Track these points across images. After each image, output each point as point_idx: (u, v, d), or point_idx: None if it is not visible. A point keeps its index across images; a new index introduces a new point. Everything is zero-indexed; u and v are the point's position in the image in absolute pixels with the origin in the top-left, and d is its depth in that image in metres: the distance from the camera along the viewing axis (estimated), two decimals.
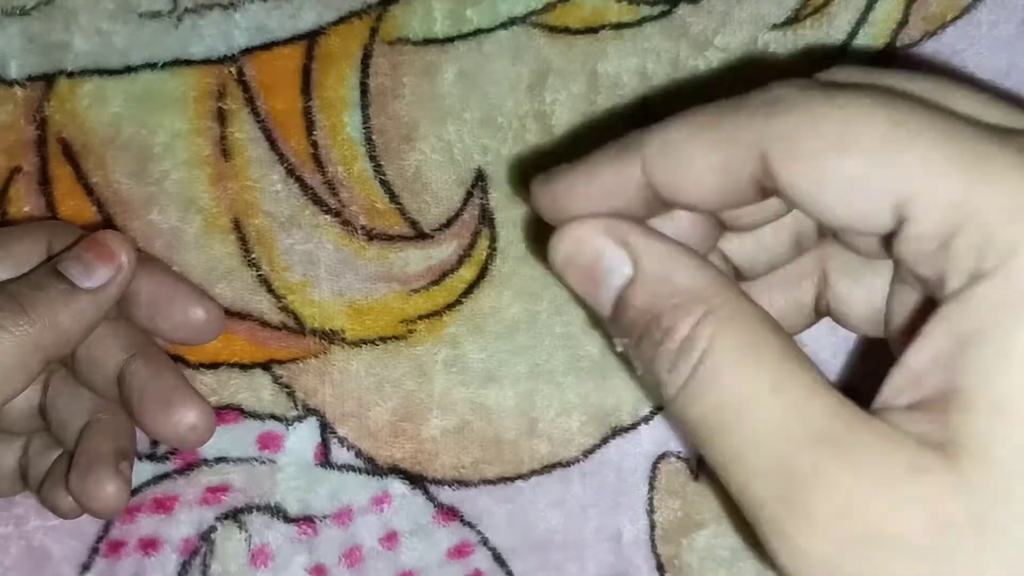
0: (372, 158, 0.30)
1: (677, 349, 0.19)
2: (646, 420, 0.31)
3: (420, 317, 0.31)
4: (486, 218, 0.31)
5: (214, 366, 0.31)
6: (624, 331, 0.20)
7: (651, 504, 0.32)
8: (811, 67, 0.29)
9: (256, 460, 0.31)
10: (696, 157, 0.20)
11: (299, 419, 0.31)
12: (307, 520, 0.31)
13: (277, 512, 0.31)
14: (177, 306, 0.28)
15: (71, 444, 0.28)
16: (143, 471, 0.31)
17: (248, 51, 0.30)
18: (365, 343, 0.31)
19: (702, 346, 0.19)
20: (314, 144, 0.30)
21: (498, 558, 0.31)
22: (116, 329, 0.28)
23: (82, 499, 0.27)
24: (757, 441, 0.18)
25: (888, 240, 0.19)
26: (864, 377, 0.31)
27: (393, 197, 0.30)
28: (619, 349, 0.21)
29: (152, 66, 0.30)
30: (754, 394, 0.18)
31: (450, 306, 0.31)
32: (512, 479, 0.31)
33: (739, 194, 0.20)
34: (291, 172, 0.30)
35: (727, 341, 0.19)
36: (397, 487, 0.31)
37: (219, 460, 0.31)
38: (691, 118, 0.20)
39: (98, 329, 0.28)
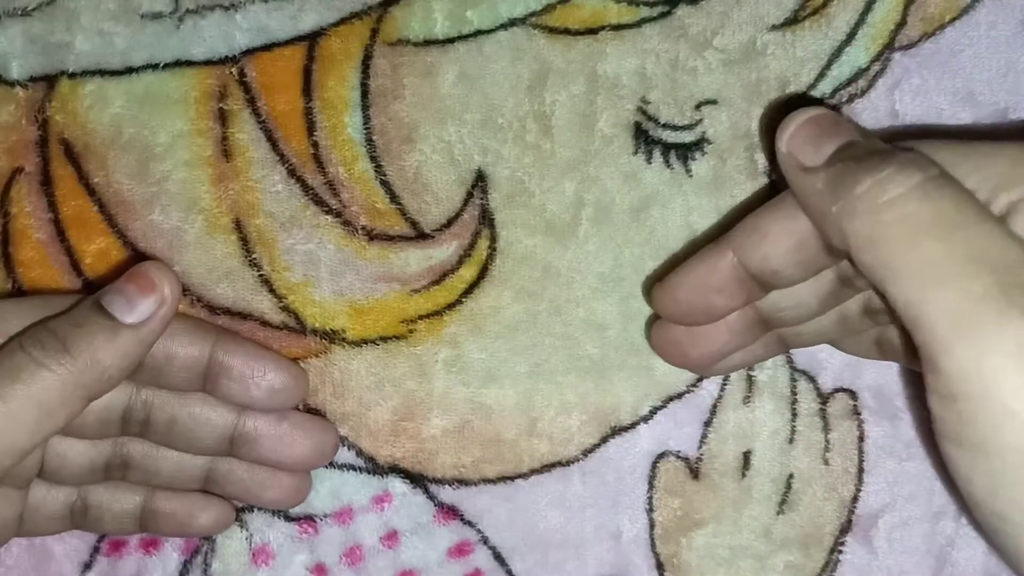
0: (373, 159, 0.30)
1: (914, 158, 0.22)
2: (645, 419, 0.31)
3: (420, 317, 0.31)
4: (486, 218, 0.31)
5: None
6: (846, 158, 0.23)
7: (650, 503, 0.32)
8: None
9: None
10: (778, 235, 0.25)
11: None
12: (308, 519, 0.31)
13: (278, 511, 0.31)
14: (270, 374, 0.29)
15: (174, 484, 0.29)
16: None
17: (249, 52, 0.30)
18: (366, 343, 0.31)
19: (936, 168, 0.22)
20: (315, 145, 0.30)
21: (498, 557, 0.32)
22: (188, 326, 0.28)
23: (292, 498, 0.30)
24: (985, 250, 0.21)
25: None
26: None
27: (394, 197, 0.31)
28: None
29: (154, 67, 0.30)
30: (982, 218, 0.21)
31: (450, 306, 0.31)
32: (512, 478, 0.31)
33: (815, 260, 0.25)
34: (292, 172, 0.30)
35: (952, 178, 0.22)
36: (398, 486, 0.31)
37: None
38: (769, 209, 0.26)
39: (175, 327, 0.28)
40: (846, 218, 0.22)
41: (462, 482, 0.31)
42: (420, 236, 0.31)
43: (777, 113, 0.30)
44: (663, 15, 0.30)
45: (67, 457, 0.28)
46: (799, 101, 0.31)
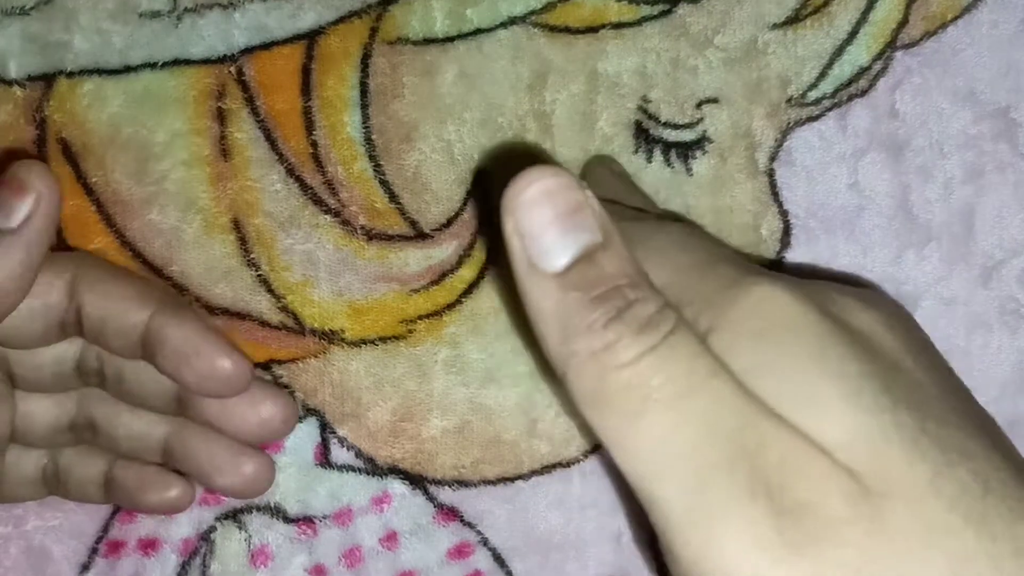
0: (372, 158, 0.30)
1: (650, 316, 0.20)
2: None
3: (420, 317, 0.31)
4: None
5: None
6: (581, 285, 0.20)
7: None
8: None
9: None
10: None
11: (299, 419, 0.31)
12: (307, 520, 0.31)
13: (277, 512, 0.31)
14: (204, 358, 0.27)
15: (136, 454, 0.29)
16: None
17: (248, 51, 0.30)
18: (365, 343, 0.31)
19: (670, 324, 0.20)
20: (314, 144, 0.30)
21: (498, 558, 0.31)
22: (133, 287, 0.27)
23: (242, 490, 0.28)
24: (711, 412, 0.19)
25: None
26: None
27: (393, 197, 0.30)
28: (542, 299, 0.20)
29: (152, 66, 0.30)
30: (716, 370, 0.19)
31: (450, 306, 0.31)
32: (512, 479, 0.31)
33: None
34: (291, 172, 0.30)
35: (687, 330, 0.20)
36: (397, 487, 0.31)
37: None
38: None
39: (110, 288, 0.27)
40: (572, 368, 0.20)
41: (462, 483, 0.31)
42: (419, 236, 0.31)
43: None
44: (664, 13, 0.30)
45: (34, 417, 0.28)
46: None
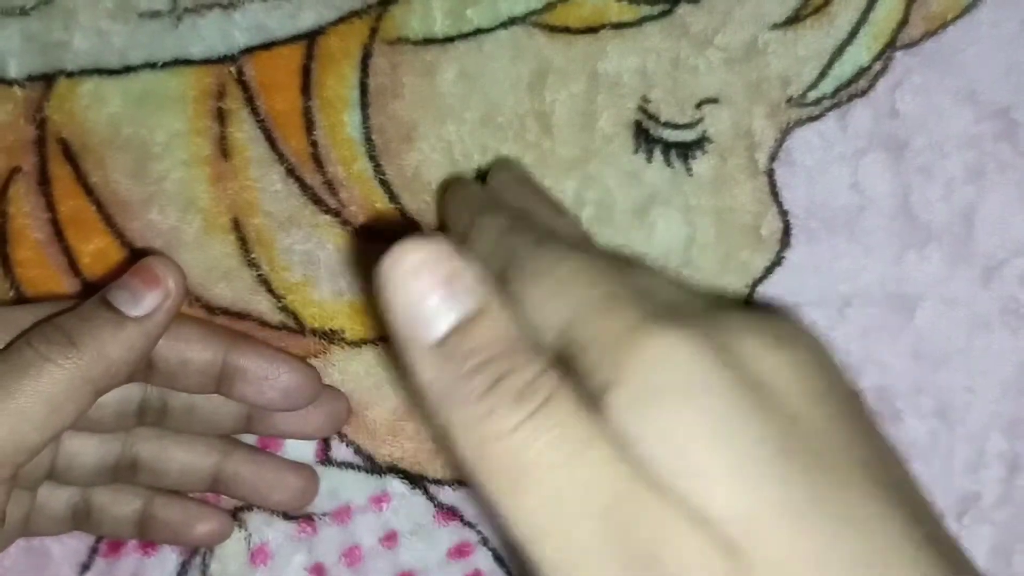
0: (372, 158, 0.30)
1: (526, 384, 0.19)
2: None
3: None
4: None
5: None
6: (457, 356, 0.20)
7: None
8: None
9: None
10: None
11: None
12: (306, 518, 0.31)
13: (276, 510, 0.31)
14: (284, 376, 0.29)
15: (182, 486, 0.30)
16: None
17: (248, 51, 0.30)
18: (365, 343, 0.31)
19: (548, 390, 0.19)
20: (314, 144, 0.30)
21: (498, 558, 0.31)
22: (200, 328, 0.29)
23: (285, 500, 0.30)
24: (587, 483, 0.19)
25: None
26: None
27: (393, 197, 0.30)
28: (428, 376, 0.20)
29: (152, 66, 0.30)
30: (592, 438, 0.19)
31: None
32: None
33: None
34: (291, 172, 0.30)
35: (568, 392, 0.20)
36: (396, 486, 0.31)
37: None
38: None
39: (184, 331, 0.28)
40: (453, 438, 0.20)
41: (462, 483, 0.31)
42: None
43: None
44: (664, 13, 0.30)
45: (76, 456, 0.28)
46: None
